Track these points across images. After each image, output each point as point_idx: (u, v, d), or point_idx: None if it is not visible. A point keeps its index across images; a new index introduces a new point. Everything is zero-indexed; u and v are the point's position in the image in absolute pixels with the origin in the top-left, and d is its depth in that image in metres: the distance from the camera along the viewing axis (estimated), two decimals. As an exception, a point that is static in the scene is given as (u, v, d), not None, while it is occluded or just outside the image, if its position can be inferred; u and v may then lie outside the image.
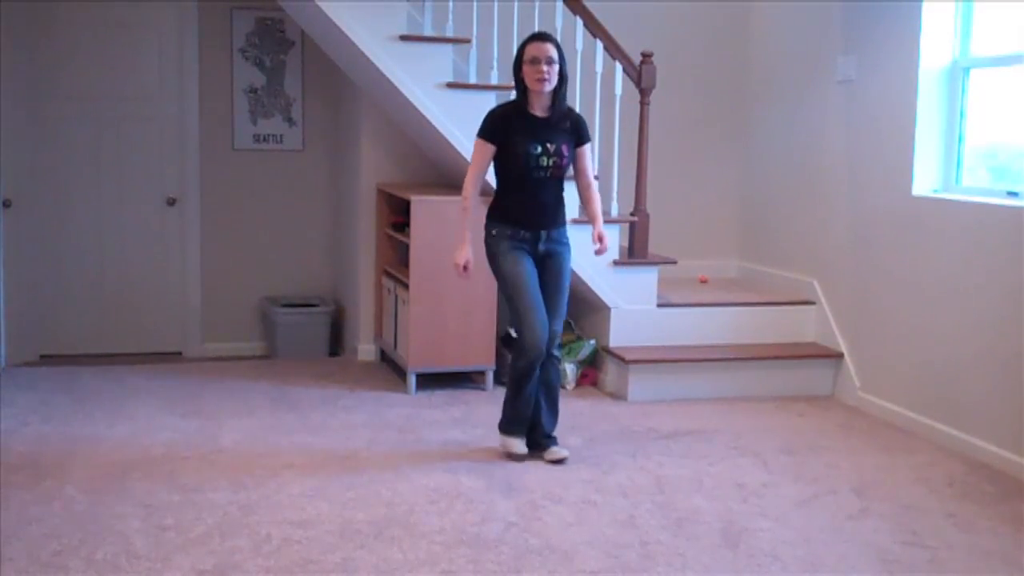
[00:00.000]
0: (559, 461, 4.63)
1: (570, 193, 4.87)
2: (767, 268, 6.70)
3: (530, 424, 4.73)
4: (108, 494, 4.15)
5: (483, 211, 4.74)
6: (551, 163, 4.56)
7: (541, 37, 4.59)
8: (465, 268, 4.64)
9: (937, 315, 5.19)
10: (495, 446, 4.79)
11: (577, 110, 5.69)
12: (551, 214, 4.66)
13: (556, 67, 4.52)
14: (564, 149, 4.60)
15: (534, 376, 4.66)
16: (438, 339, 5.73)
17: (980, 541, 3.95)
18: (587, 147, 4.74)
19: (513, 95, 4.67)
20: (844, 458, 4.88)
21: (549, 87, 4.54)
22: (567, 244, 4.73)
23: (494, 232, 4.65)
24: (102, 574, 3.47)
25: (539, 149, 4.55)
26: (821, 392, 5.95)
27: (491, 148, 4.61)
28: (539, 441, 4.72)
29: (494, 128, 4.60)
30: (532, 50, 4.53)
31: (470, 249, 4.63)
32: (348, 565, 3.58)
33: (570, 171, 4.75)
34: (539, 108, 4.59)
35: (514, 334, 4.71)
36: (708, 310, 6.08)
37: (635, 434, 5.15)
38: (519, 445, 4.70)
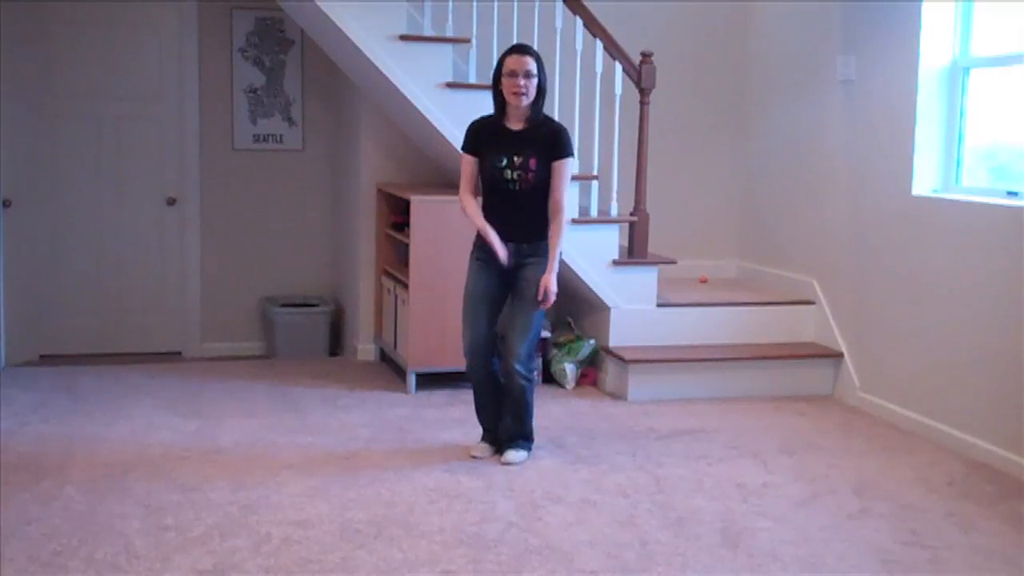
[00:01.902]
0: (508, 464, 4.62)
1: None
2: (767, 268, 6.70)
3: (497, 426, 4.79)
4: (108, 494, 4.15)
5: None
6: (516, 176, 4.51)
7: (520, 50, 4.55)
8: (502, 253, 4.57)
9: (937, 315, 5.19)
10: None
11: (576, 111, 5.72)
12: (520, 228, 4.57)
13: (534, 81, 4.49)
14: (532, 163, 4.51)
15: (483, 385, 4.72)
16: (438, 339, 5.73)
17: (980, 541, 3.95)
18: (563, 163, 4.54)
19: None
20: (844, 458, 4.88)
21: (526, 101, 4.50)
22: (542, 258, 4.58)
23: (473, 242, 4.68)
24: (102, 574, 3.47)
25: (504, 162, 4.51)
26: (821, 392, 5.95)
27: (473, 159, 4.62)
28: (499, 443, 4.75)
29: (469, 140, 4.65)
30: (511, 63, 4.50)
31: (495, 235, 4.53)
32: (348, 565, 3.58)
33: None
34: (515, 121, 4.57)
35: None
36: (708, 310, 6.08)
37: (635, 434, 5.15)
38: (476, 446, 4.76)
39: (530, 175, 4.52)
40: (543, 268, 4.57)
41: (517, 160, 4.51)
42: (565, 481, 4.45)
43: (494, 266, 4.58)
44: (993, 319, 4.85)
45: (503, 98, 4.55)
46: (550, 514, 4.07)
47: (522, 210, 4.57)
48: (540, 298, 4.56)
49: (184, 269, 6.94)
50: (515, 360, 4.60)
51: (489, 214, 4.61)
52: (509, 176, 4.52)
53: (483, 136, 4.60)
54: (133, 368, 6.29)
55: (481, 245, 4.62)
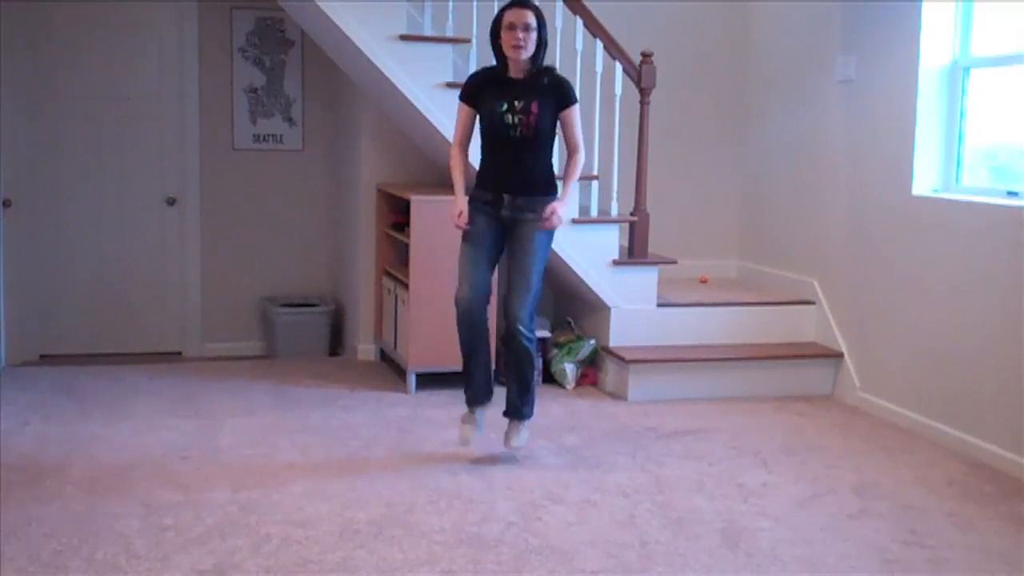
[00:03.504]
0: (516, 448, 4.62)
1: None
2: (767, 268, 6.71)
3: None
4: (108, 494, 4.15)
5: (473, 174, 4.72)
6: (517, 120, 4.46)
7: (519, 3, 4.52)
8: (460, 216, 4.55)
9: (937, 315, 5.19)
10: (495, 446, 4.79)
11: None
12: (517, 178, 4.53)
13: (533, 34, 4.46)
14: (534, 107, 4.46)
15: (476, 337, 4.58)
16: (438, 339, 5.72)
17: (980, 541, 3.96)
18: (571, 110, 4.58)
19: None
20: (844, 458, 4.88)
21: (526, 55, 4.47)
22: (538, 214, 4.52)
23: (471, 195, 4.63)
24: (102, 574, 3.47)
25: (504, 106, 4.47)
26: (821, 392, 5.95)
27: (469, 110, 4.60)
28: (509, 411, 4.68)
29: (468, 89, 4.62)
30: (510, 16, 4.47)
31: (464, 201, 4.55)
32: (348, 565, 3.58)
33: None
34: (516, 72, 4.54)
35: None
36: (708, 310, 6.08)
37: (635, 434, 5.15)
38: (465, 425, 4.67)
39: (532, 118, 4.47)
40: (539, 225, 4.51)
41: (518, 104, 4.47)
42: (565, 481, 4.45)
43: (493, 214, 4.55)
44: (993, 319, 4.85)
45: (502, 52, 4.52)
46: (550, 514, 4.07)
47: (520, 160, 4.54)
48: (546, 216, 4.49)
49: (184, 269, 6.94)
50: (518, 322, 4.52)
51: (487, 164, 4.59)
52: (510, 121, 4.47)
53: (482, 85, 4.58)
54: (133, 368, 6.29)
55: (475, 192, 4.59)
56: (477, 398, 4.70)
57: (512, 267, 4.58)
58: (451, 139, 5.50)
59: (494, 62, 4.59)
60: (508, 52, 4.48)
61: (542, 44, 4.52)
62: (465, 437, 4.67)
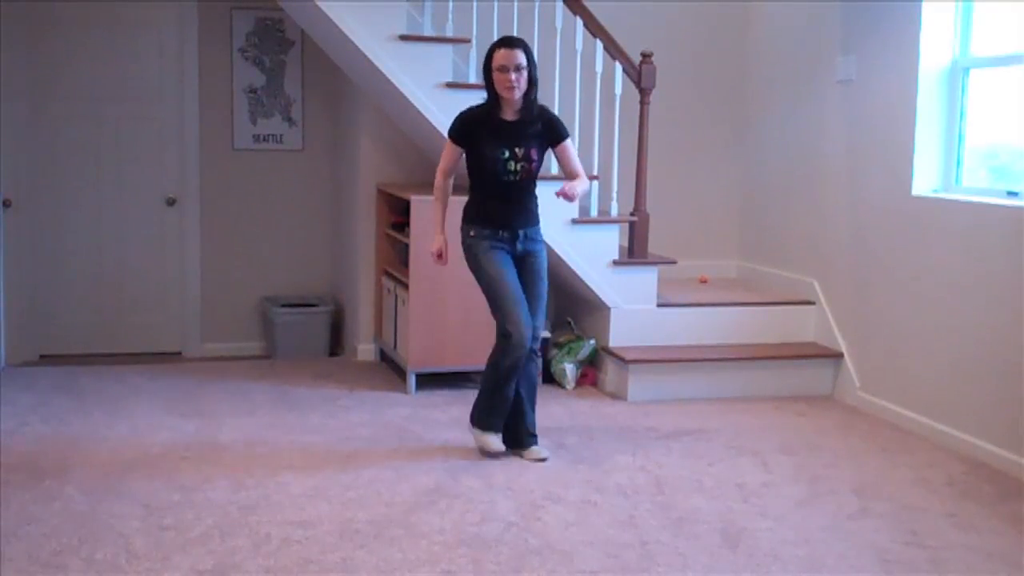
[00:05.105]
0: (541, 460, 4.65)
1: (543, 193, 4.81)
2: (767, 268, 6.71)
3: (510, 422, 4.74)
4: (108, 494, 4.15)
5: (456, 210, 4.77)
6: (519, 167, 4.57)
7: (509, 44, 4.54)
8: (440, 256, 4.78)
9: (937, 315, 5.19)
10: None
11: (577, 111, 5.73)
12: (525, 214, 4.69)
13: (525, 73, 4.51)
14: (533, 153, 4.59)
15: (516, 377, 4.68)
16: (438, 339, 5.73)
17: (980, 541, 3.96)
18: (566, 144, 4.72)
19: None
20: (844, 458, 4.88)
21: (519, 94, 4.53)
22: (542, 242, 4.77)
23: (472, 233, 4.68)
24: (102, 574, 3.47)
25: (507, 154, 4.55)
26: (821, 392, 5.95)
27: (458, 149, 4.66)
28: (521, 439, 4.73)
29: (460, 130, 4.65)
30: (500, 58, 4.50)
31: (444, 238, 4.76)
32: (348, 565, 3.58)
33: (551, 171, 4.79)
34: (510, 112, 4.59)
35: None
36: (708, 310, 6.08)
37: (635, 434, 5.15)
38: (496, 441, 4.70)
39: (532, 165, 4.62)
40: (545, 253, 4.75)
41: (519, 152, 4.57)
42: (565, 481, 4.45)
43: (510, 250, 4.65)
44: (993, 319, 4.85)
45: (495, 89, 4.55)
46: (550, 514, 4.08)
47: (521, 199, 4.68)
48: (560, 192, 4.58)
49: (184, 269, 6.94)
50: (537, 342, 4.70)
51: (486, 204, 4.66)
52: (512, 167, 4.57)
53: (475, 128, 4.61)
54: (133, 368, 6.29)
55: (483, 231, 4.64)
56: (498, 424, 4.73)
57: (529, 294, 4.68)
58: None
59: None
60: (502, 93, 4.53)
61: (533, 82, 4.55)
62: (493, 448, 4.68)
